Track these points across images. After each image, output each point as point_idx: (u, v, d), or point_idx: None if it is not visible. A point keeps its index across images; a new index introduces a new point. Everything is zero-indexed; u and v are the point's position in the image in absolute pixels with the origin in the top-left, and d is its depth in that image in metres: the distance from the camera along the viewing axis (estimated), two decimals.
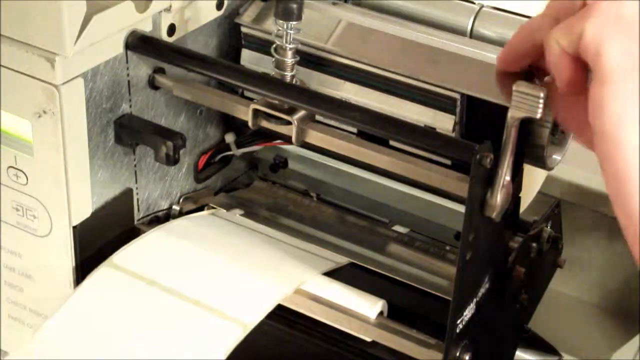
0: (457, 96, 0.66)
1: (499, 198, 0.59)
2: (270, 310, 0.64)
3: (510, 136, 0.59)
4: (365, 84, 0.70)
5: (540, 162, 0.66)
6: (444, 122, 0.68)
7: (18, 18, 0.61)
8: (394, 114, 0.66)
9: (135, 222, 0.72)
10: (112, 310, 0.64)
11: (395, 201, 0.76)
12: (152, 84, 0.69)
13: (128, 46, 0.66)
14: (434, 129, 0.68)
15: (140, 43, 0.66)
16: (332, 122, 0.68)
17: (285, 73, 0.68)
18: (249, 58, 0.74)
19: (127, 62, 0.67)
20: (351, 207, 0.78)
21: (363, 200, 0.77)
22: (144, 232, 0.71)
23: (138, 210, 0.72)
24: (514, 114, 0.58)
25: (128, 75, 0.67)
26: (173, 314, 0.64)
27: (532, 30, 0.59)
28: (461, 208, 0.61)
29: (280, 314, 0.67)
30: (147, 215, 0.73)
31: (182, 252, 0.69)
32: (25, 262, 0.70)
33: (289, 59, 0.67)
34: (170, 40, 0.69)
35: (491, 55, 0.65)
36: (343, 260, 0.71)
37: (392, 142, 0.67)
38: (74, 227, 0.67)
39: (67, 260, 0.67)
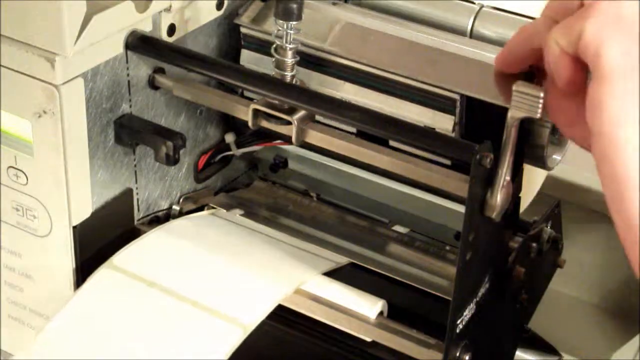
0: (457, 97, 0.66)
1: (499, 198, 0.59)
2: (271, 311, 0.65)
3: (510, 136, 0.59)
4: (365, 85, 0.70)
5: (540, 162, 0.66)
6: (444, 123, 0.68)
7: (18, 18, 0.61)
8: (393, 114, 0.66)
9: (135, 222, 0.72)
10: (113, 312, 0.64)
11: (395, 201, 0.76)
12: (152, 84, 0.69)
13: (128, 46, 0.66)
14: (434, 129, 0.68)
15: (140, 43, 0.66)
16: (332, 123, 0.68)
17: (285, 73, 0.68)
18: (248, 58, 0.74)
19: (127, 62, 0.67)
20: (351, 207, 0.78)
21: (363, 200, 0.77)
22: (144, 232, 0.71)
23: (138, 210, 0.72)
24: (514, 114, 0.58)
25: (128, 75, 0.67)
26: (173, 315, 0.64)
27: (531, 34, 0.59)
28: (461, 208, 0.61)
29: (280, 314, 0.67)
30: (147, 216, 0.73)
31: (182, 253, 0.69)
32: (25, 262, 0.70)
33: (289, 59, 0.67)
34: (170, 40, 0.69)
35: (491, 55, 0.65)
36: (343, 260, 0.71)
37: (391, 143, 0.67)
38: (74, 227, 0.67)
39: (67, 260, 0.67)
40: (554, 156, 0.66)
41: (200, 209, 0.76)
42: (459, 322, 0.61)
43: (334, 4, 0.73)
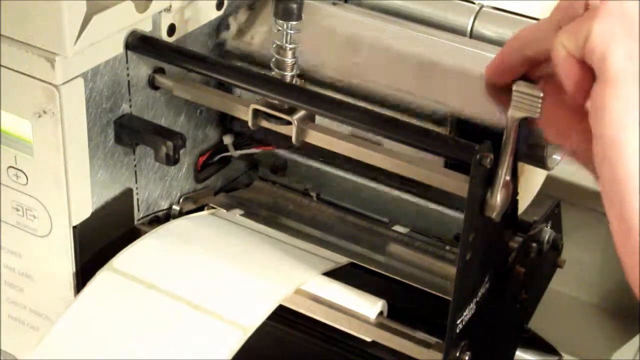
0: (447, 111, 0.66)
1: (499, 198, 0.59)
2: (271, 312, 0.65)
3: (510, 136, 0.59)
4: (356, 97, 0.69)
5: (540, 162, 0.66)
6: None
7: (18, 18, 0.61)
8: None
9: (136, 222, 0.72)
10: (113, 315, 0.64)
11: (394, 205, 0.76)
12: (152, 84, 0.69)
13: (128, 46, 0.66)
14: None
15: (140, 43, 0.66)
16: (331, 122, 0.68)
17: (285, 73, 0.68)
18: None
19: (127, 62, 0.67)
20: (351, 207, 0.78)
21: (363, 200, 0.77)
22: (144, 232, 0.71)
23: (138, 210, 0.72)
24: (514, 114, 0.58)
25: (128, 75, 0.67)
26: (174, 318, 0.64)
27: (524, 42, 0.58)
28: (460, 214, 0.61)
29: (281, 314, 0.67)
30: (147, 216, 0.73)
31: (182, 254, 0.69)
32: (25, 262, 0.70)
33: (289, 59, 0.67)
34: (170, 40, 0.69)
35: (490, 55, 0.65)
36: (343, 260, 0.71)
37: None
38: (74, 227, 0.67)
39: (67, 260, 0.67)
40: (554, 156, 0.66)
41: (200, 209, 0.76)
42: (459, 322, 0.61)
43: (334, 4, 0.73)
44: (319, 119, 0.67)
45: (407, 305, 0.68)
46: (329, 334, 0.69)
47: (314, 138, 0.66)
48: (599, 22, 0.51)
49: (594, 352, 0.89)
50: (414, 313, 0.68)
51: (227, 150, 0.77)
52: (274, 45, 0.67)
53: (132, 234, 0.71)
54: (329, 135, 0.66)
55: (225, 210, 0.75)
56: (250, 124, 0.68)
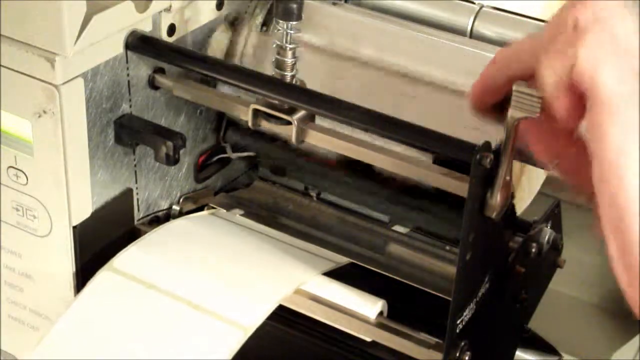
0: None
1: (499, 198, 0.59)
2: (271, 312, 0.65)
3: (510, 136, 0.59)
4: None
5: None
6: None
7: (18, 18, 0.61)
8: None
9: (136, 222, 0.72)
10: (113, 315, 0.64)
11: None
12: (152, 84, 0.69)
13: (128, 46, 0.66)
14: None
15: (140, 43, 0.66)
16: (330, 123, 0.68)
17: (285, 73, 0.68)
18: None
19: (127, 62, 0.67)
20: (351, 207, 0.78)
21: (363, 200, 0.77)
22: (144, 232, 0.71)
23: (138, 210, 0.72)
24: (514, 114, 0.58)
25: (128, 75, 0.67)
26: (174, 318, 0.64)
27: (507, 61, 0.56)
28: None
29: (280, 314, 0.67)
30: (147, 215, 0.73)
31: (182, 254, 0.69)
32: (25, 262, 0.70)
33: (289, 59, 0.67)
34: (170, 40, 0.69)
35: (490, 55, 0.65)
36: (343, 260, 0.71)
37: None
38: (74, 227, 0.67)
39: (67, 260, 0.67)
40: None
41: (200, 209, 0.76)
42: (459, 322, 0.61)
43: (334, 4, 0.73)
44: (319, 119, 0.67)
45: (407, 305, 0.68)
46: (329, 334, 0.69)
47: (314, 138, 0.66)
48: (585, 46, 0.50)
49: (594, 352, 0.89)
50: (414, 313, 0.68)
51: (225, 152, 0.77)
52: (274, 45, 0.67)
53: (132, 234, 0.71)
54: (329, 135, 0.66)
55: (225, 210, 0.75)
56: (250, 124, 0.68)
